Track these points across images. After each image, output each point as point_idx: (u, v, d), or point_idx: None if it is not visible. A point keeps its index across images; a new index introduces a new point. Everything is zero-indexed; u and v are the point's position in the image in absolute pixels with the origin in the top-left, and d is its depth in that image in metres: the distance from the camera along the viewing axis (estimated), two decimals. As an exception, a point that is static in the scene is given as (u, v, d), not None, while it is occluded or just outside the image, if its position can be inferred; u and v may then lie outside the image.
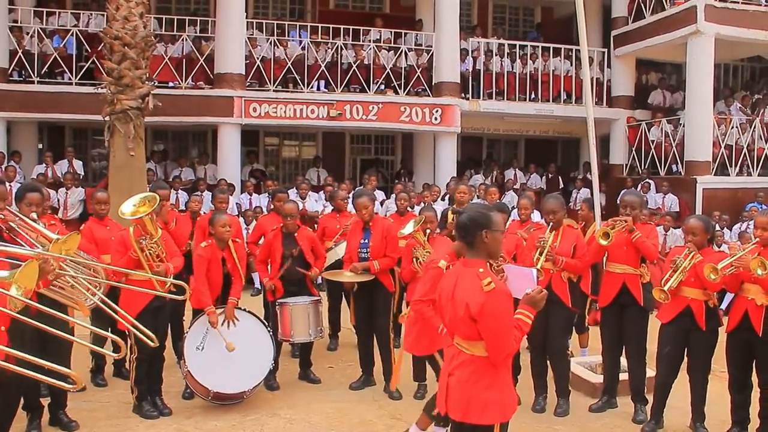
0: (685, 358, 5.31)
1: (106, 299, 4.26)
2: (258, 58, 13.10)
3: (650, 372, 5.69)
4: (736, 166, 13.94)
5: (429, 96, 13.88)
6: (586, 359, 6.79)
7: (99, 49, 11.09)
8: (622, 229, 5.42)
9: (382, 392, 6.12)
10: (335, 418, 5.59)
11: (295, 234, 6.31)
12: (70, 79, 12.40)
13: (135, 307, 5.11)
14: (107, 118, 9.94)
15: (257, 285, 9.44)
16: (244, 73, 12.91)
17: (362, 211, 6.10)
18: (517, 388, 5.90)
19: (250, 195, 12.16)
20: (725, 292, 6.25)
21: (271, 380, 6.19)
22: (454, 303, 3.30)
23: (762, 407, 5.02)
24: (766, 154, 14.17)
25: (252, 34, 13.46)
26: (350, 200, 7.57)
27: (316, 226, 8.56)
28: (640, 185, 13.91)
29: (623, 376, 5.86)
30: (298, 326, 6.11)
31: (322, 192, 12.19)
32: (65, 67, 12.39)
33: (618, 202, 5.97)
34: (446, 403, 3.36)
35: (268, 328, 5.96)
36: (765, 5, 13.74)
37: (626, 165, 15.41)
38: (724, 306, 8.44)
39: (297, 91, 13.28)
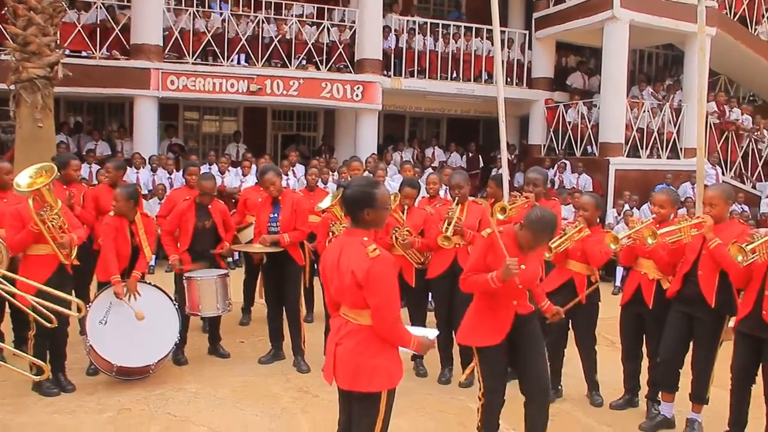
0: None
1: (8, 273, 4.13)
2: (177, 30, 12.76)
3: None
4: (646, 148, 14.43)
5: (351, 73, 13.81)
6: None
7: (2, 12, 10.60)
8: (524, 205, 5.56)
9: (291, 366, 6.14)
10: (242, 391, 5.58)
11: (209, 206, 6.25)
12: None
13: (36, 281, 4.94)
14: (12, 87, 9.52)
15: (172, 260, 9.27)
16: (161, 45, 12.55)
17: (270, 188, 6.06)
18: (423, 361, 6.08)
19: (169, 172, 11.83)
20: (615, 268, 6.51)
21: (178, 355, 6.12)
22: (339, 272, 3.31)
23: (650, 375, 5.28)
24: (674, 137, 14.74)
25: (170, 5, 13.10)
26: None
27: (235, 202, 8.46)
28: (556, 165, 14.28)
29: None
30: (206, 300, 6.06)
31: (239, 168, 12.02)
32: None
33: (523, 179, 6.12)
34: (334, 372, 3.39)
35: (174, 302, 5.88)
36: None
37: (544, 145, 15.75)
38: (618, 282, 8.84)
39: (217, 65, 13.00)
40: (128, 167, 11.27)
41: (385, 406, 3.35)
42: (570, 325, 5.52)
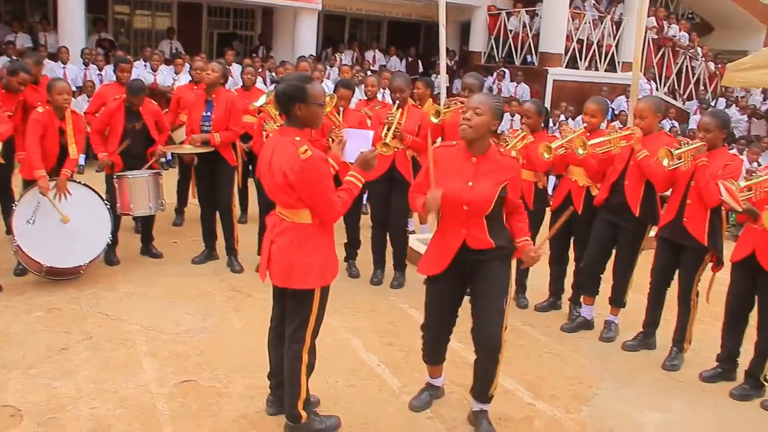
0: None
1: None
2: None
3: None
4: (585, 60, 14.54)
5: (290, -31, 13.35)
6: (425, 236, 7.09)
7: None
8: (459, 109, 5.56)
9: (224, 266, 6.15)
10: (175, 290, 5.59)
11: (140, 107, 6.05)
12: None
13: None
14: None
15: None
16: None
17: (202, 74, 5.83)
18: (357, 262, 6.19)
19: (99, 68, 11.29)
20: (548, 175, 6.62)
21: (110, 255, 6.05)
22: (272, 171, 3.28)
23: (575, 278, 5.50)
24: (613, 51, 14.86)
25: None
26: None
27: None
28: (495, 73, 14.28)
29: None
30: (138, 199, 5.94)
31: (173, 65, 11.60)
32: None
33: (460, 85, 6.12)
34: (268, 270, 3.41)
35: (106, 202, 5.76)
36: None
37: (485, 53, 15.69)
38: (550, 190, 9.04)
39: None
40: (53, 61, 10.81)
41: (318, 303, 3.41)
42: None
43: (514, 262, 3.68)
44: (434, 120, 5.55)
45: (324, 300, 3.44)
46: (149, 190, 5.96)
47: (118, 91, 6.36)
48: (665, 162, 4.47)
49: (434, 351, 3.86)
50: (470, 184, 3.43)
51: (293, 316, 3.43)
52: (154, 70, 11.08)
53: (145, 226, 6.44)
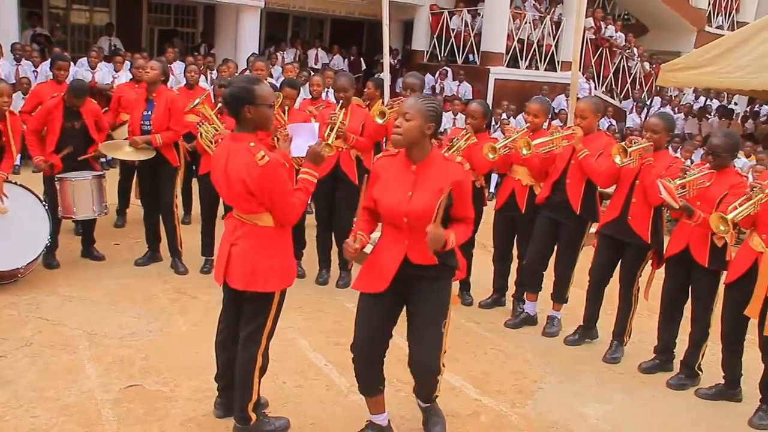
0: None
1: None
2: None
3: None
4: (526, 59, 14.79)
5: (232, -34, 13.20)
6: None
7: None
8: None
9: (169, 268, 6.07)
10: (117, 293, 5.49)
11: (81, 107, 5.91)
12: None
13: None
14: None
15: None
16: None
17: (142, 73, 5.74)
18: (302, 262, 6.18)
19: (34, 64, 10.93)
20: (490, 174, 6.74)
21: (49, 258, 5.89)
22: (228, 180, 3.25)
23: (518, 275, 5.61)
24: (553, 50, 15.16)
25: None
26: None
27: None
28: (438, 72, 14.40)
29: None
30: (81, 203, 5.79)
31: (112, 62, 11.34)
32: None
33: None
34: (226, 273, 3.38)
35: (44, 203, 5.62)
36: None
37: (427, 51, 15.80)
38: (493, 188, 9.21)
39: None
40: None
41: (276, 306, 3.42)
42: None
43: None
44: (379, 121, 5.58)
45: (282, 302, 3.45)
46: (93, 193, 5.82)
47: (56, 90, 6.18)
48: (617, 159, 4.60)
49: (369, 378, 3.48)
50: (410, 194, 3.20)
51: (250, 319, 3.41)
52: (92, 67, 10.82)
53: (85, 228, 6.29)
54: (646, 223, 4.70)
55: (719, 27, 18.28)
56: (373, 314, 3.37)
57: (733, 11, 19.06)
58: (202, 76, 10.09)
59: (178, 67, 11.50)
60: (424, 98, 3.23)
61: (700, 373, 4.67)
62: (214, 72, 10.88)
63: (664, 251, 4.72)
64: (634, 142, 4.67)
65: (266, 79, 7.18)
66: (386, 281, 3.27)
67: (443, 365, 3.41)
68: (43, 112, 5.84)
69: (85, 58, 11.13)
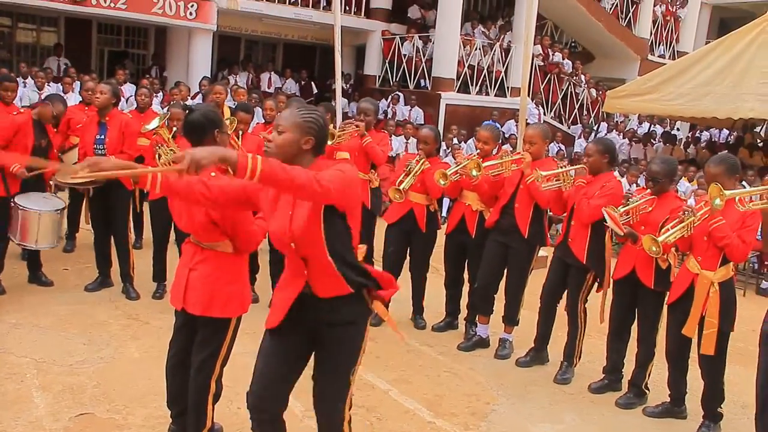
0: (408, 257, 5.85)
1: None
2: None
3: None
4: (476, 85, 15.06)
5: (185, -11, 13.17)
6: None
7: None
8: (354, 133, 5.69)
9: (120, 293, 5.98)
10: (67, 320, 5.38)
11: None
12: None
13: None
14: None
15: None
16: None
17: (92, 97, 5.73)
18: (255, 286, 6.15)
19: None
20: (443, 199, 6.86)
21: (-6, 283, 5.77)
22: (189, 208, 3.26)
23: (470, 299, 5.69)
24: (502, 76, 15.48)
25: None
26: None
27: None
28: (390, 97, 14.56)
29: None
30: (45, 234, 5.65)
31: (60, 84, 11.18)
32: None
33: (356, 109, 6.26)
34: (184, 298, 3.36)
35: (-10, 228, 5.50)
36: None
37: (379, 76, 15.96)
38: (444, 213, 9.32)
39: (33, -32, 11.87)
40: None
41: (232, 332, 3.42)
42: (407, 254, 5.82)
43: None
44: (330, 142, 5.65)
45: (237, 329, 3.45)
46: (57, 224, 5.75)
47: (6, 111, 6.04)
48: (538, 181, 4.79)
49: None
50: (290, 213, 2.76)
51: (205, 345, 3.40)
52: (39, 88, 10.65)
53: (32, 252, 6.15)
54: (582, 245, 4.85)
55: (661, 56, 18.91)
56: (272, 356, 2.93)
57: (674, 41, 19.75)
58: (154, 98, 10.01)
59: (128, 89, 11.39)
60: (302, 109, 2.83)
61: (647, 391, 4.80)
62: (160, 94, 10.78)
63: (607, 273, 4.86)
64: (559, 166, 4.89)
65: (224, 103, 7.19)
66: (280, 314, 2.84)
67: (348, 416, 3.00)
68: (10, 128, 5.65)
69: (30, 79, 10.94)
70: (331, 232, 2.72)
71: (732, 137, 14.78)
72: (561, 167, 4.92)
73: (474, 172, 5.14)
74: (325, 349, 2.90)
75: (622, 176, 10.59)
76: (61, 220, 5.86)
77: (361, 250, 2.95)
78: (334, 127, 6.17)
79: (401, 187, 5.50)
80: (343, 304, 2.81)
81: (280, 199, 2.80)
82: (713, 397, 4.41)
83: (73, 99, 10.36)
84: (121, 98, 10.35)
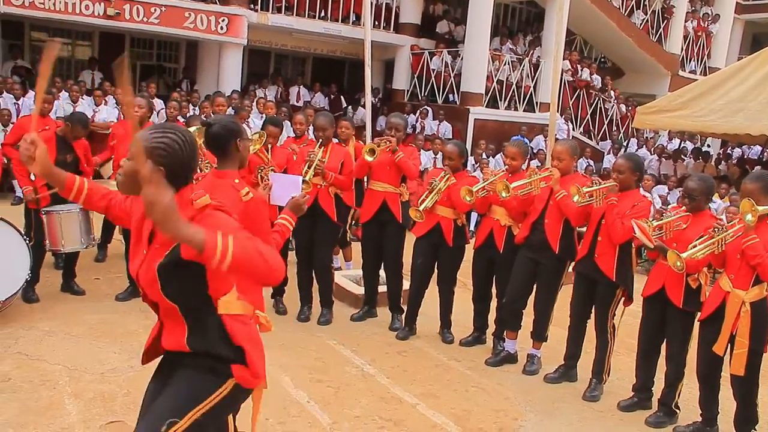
0: (436, 271, 5.84)
1: None
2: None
3: (407, 284, 6.15)
4: (505, 100, 15.05)
5: (216, 4, 13.36)
6: (350, 272, 7.18)
7: None
8: (386, 149, 5.72)
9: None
10: (99, 329, 5.46)
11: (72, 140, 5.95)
12: None
13: None
14: None
15: (18, 193, 8.75)
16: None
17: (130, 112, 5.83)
18: (284, 298, 6.19)
19: (16, 97, 10.89)
20: (470, 213, 6.86)
21: (29, 292, 5.86)
22: None
23: (498, 314, 5.67)
24: (531, 92, 15.45)
25: None
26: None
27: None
28: (418, 111, 14.60)
29: (382, 288, 6.29)
30: (69, 235, 5.76)
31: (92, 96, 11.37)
32: None
33: (385, 123, 6.28)
34: None
35: (25, 237, 5.60)
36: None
37: (408, 91, 16.01)
38: (473, 227, 9.31)
39: (70, -17, 12.12)
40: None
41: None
42: (435, 267, 5.81)
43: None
44: (369, 158, 5.70)
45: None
46: (80, 224, 5.82)
47: (41, 123, 6.20)
48: (576, 198, 4.74)
49: None
50: (144, 252, 2.37)
51: None
52: (74, 101, 10.84)
53: (67, 261, 6.26)
54: (611, 262, 4.80)
55: (692, 72, 18.75)
56: (146, 398, 2.60)
57: (705, 57, 19.58)
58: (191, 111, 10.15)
59: (159, 103, 11.55)
60: (155, 130, 2.33)
61: (677, 411, 4.73)
62: (197, 108, 10.93)
63: (633, 290, 4.82)
64: (595, 182, 4.84)
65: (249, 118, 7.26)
66: (144, 356, 2.64)
67: None
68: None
69: (64, 92, 11.13)
70: (182, 282, 2.33)
71: (765, 154, 14.57)
72: (596, 183, 4.85)
73: (503, 194, 5.14)
74: (163, 389, 2.49)
75: (650, 191, 10.52)
76: (86, 221, 5.89)
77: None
78: (363, 142, 6.21)
79: (421, 207, 5.51)
80: (190, 356, 2.44)
81: (140, 234, 2.40)
82: (746, 418, 4.34)
83: (104, 112, 10.57)
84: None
